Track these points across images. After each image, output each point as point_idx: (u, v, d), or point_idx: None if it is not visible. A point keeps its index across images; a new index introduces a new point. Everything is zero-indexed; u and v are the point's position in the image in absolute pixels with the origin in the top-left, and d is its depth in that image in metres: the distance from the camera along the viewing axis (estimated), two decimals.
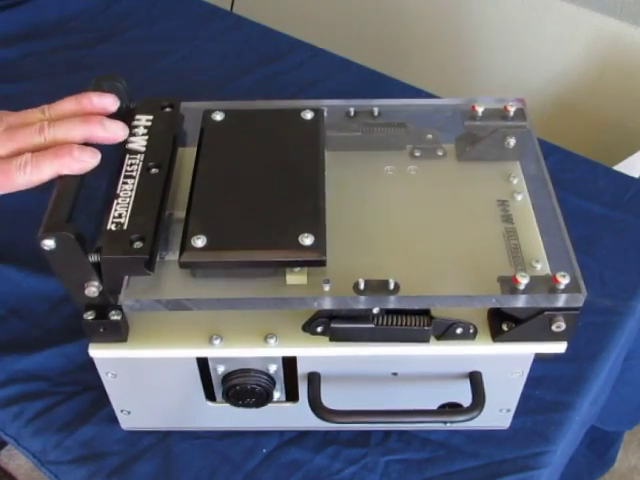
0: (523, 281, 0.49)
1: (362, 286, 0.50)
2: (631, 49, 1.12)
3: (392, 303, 0.50)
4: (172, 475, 0.60)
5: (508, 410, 0.60)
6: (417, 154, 0.64)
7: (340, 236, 0.54)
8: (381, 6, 1.41)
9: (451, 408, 0.59)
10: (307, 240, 0.50)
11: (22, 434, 0.63)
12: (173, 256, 0.57)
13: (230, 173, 0.55)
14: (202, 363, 0.55)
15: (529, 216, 0.58)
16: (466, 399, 0.55)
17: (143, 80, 0.97)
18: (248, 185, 0.54)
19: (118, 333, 0.52)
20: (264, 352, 0.53)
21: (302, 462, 0.61)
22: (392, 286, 0.50)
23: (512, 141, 0.61)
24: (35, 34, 1.03)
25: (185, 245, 0.50)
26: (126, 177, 0.53)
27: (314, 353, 0.54)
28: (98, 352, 0.53)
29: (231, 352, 0.53)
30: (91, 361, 0.55)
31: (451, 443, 0.62)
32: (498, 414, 0.60)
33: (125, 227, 0.49)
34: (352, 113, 0.63)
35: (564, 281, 0.49)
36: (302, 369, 0.55)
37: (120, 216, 0.50)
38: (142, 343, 0.53)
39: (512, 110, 0.61)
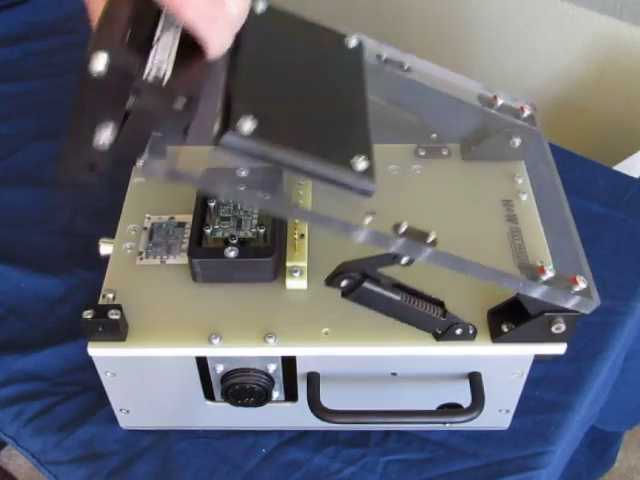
0: (549, 274, 0.49)
1: (403, 229, 0.47)
2: (631, 49, 1.12)
3: (426, 256, 0.47)
4: (171, 475, 0.60)
5: (508, 411, 0.60)
6: (422, 153, 0.64)
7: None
8: (381, 6, 1.41)
9: (451, 409, 0.59)
10: (361, 165, 0.44)
11: (21, 434, 0.63)
12: (174, 260, 0.57)
13: (273, 70, 0.48)
14: (201, 362, 0.55)
15: (534, 216, 0.58)
16: (466, 400, 0.55)
17: None
18: (292, 89, 0.48)
19: (117, 332, 0.52)
20: (263, 351, 0.53)
21: (301, 462, 0.61)
22: (431, 239, 0.47)
23: (517, 141, 0.61)
24: (35, 34, 1.03)
25: (229, 124, 0.41)
26: (167, 23, 0.42)
27: (313, 353, 0.54)
28: (97, 351, 0.53)
29: (230, 351, 0.53)
30: (90, 361, 0.55)
31: (451, 443, 0.62)
32: (498, 415, 0.60)
33: (166, 81, 0.40)
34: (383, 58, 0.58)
35: (582, 285, 0.49)
36: (301, 369, 0.55)
37: (160, 67, 0.40)
38: (141, 342, 0.53)
39: (526, 112, 0.61)
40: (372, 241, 0.47)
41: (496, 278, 0.50)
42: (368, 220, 0.46)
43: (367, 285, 0.50)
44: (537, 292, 0.49)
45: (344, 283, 0.51)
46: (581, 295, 0.49)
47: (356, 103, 0.49)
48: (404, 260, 0.49)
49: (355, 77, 0.51)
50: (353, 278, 0.50)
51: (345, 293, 0.51)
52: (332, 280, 0.50)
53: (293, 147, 0.43)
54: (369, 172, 0.44)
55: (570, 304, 0.49)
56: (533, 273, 0.49)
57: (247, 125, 0.41)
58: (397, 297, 0.51)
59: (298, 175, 0.44)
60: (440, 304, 0.52)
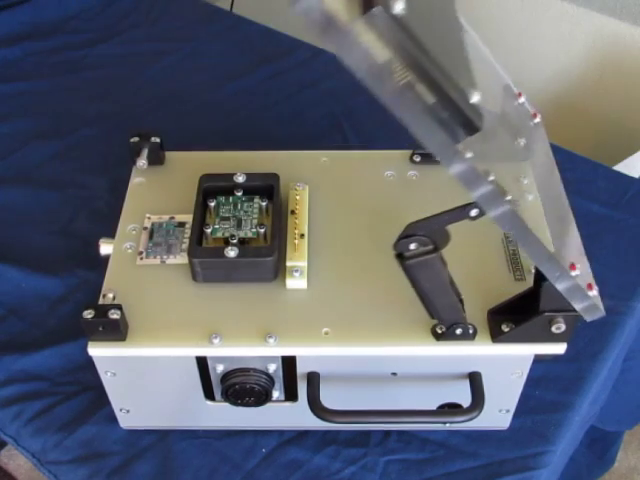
0: (577, 272, 0.48)
1: (492, 177, 0.44)
2: (631, 49, 1.12)
3: (502, 211, 0.45)
4: (171, 474, 0.60)
5: (507, 410, 0.60)
6: (417, 159, 0.65)
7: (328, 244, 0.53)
8: None
9: (451, 408, 0.59)
10: (475, 97, 0.43)
11: (21, 434, 0.63)
12: (174, 260, 0.58)
13: None
14: (201, 362, 0.55)
15: (540, 216, 0.58)
16: (466, 399, 0.55)
17: (143, 80, 0.97)
18: None
19: (117, 332, 0.52)
20: (263, 351, 0.53)
21: (301, 462, 0.61)
22: (509, 198, 0.45)
23: (522, 141, 0.61)
24: (35, 34, 1.03)
25: None
26: None
27: (313, 353, 0.54)
28: (97, 351, 0.53)
29: (230, 351, 0.53)
30: (90, 361, 0.55)
31: (450, 443, 0.62)
32: (498, 414, 0.60)
33: None
34: None
35: (595, 292, 0.49)
36: (301, 369, 0.55)
37: None
38: (141, 342, 0.53)
39: (537, 119, 0.61)
40: (465, 176, 0.44)
41: (543, 259, 0.48)
42: (469, 155, 0.44)
43: (435, 257, 0.48)
44: (565, 285, 0.49)
45: (413, 246, 0.48)
46: (593, 301, 0.49)
47: (459, 39, 0.48)
48: (474, 212, 0.47)
49: (452, 13, 0.51)
50: (424, 244, 0.48)
51: (405, 257, 0.48)
52: (400, 242, 0.48)
53: (430, 49, 0.41)
54: (480, 109, 0.43)
55: (581, 306, 0.49)
56: (565, 267, 0.49)
57: (399, 6, 0.38)
58: (446, 280, 0.50)
59: (416, 76, 0.41)
60: (461, 300, 0.52)
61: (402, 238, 0.48)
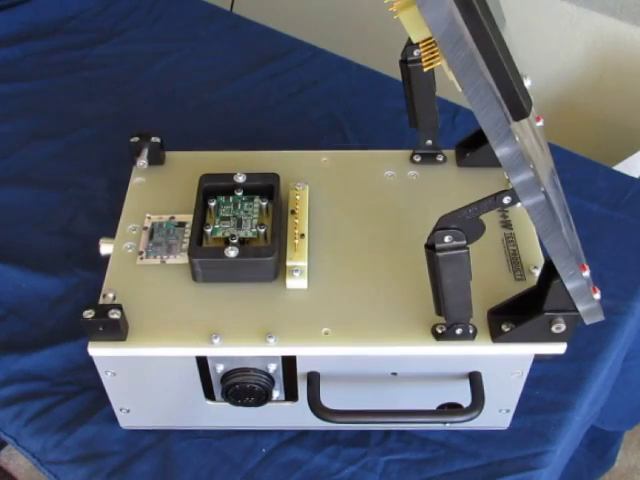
0: (586, 273, 0.49)
1: (532, 165, 0.44)
2: (631, 49, 1.12)
3: (535, 201, 0.45)
4: (171, 474, 0.60)
5: (508, 410, 0.60)
6: (417, 159, 0.65)
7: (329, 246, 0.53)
8: (381, 6, 1.41)
9: (451, 408, 0.59)
10: (527, 82, 0.46)
11: (21, 434, 0.63)
12: (174, 260, 0.58)
13: None
14: (201, 362, 0.55)
15: (528, 222, 0.58)
16: (466, 399, 0.55)
17: (143, 80, 0.97)
18: None
19: (117, 332, 0.52)
20: (263, 351, 0.53)
21: (301, 462, 0.61)
22: (543, 189, 0.45)
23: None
24: (35, 34, 1.03)
25: None
26: None
27: (313, 352, 0.54)
28: (97, 351, 0.53)
29: (230, 351, 0.53)
30: (90, 361, 0.55)
31: (451, 443, 0.62)
32: (498, 414, 0.60)
33: None
34: None
35: (598, 297, 0.49)
36: (301, 368, 0.55)
37: None
38: (141, 341, 0.53)
39: (540, 122, 0.61)
40: (512, 159, 0.43)
41: (563, 255, 0.48)
42: (517, 138, 0.43)
43: (467, 253, 0.48)
44: (575, 285, 0.49)
45: (447, 239, 0.48)
46: (596, 304, 0.49)
47: (502, 25, 0.48)
48: (506, 200, 0.46)
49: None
50: (458, 238, 0.48)
51: (437, 249, 0.48)
52: (435, 233, 0.48)
53: (492, 27, 0.42)
54: (529, 94, 0.44)
55: (585, 308, 0.49)
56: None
57: None
58: (469, 278, 0.50)
59: (480, 51, 0.42)
60: None
61: (438, 229, 0.48)
